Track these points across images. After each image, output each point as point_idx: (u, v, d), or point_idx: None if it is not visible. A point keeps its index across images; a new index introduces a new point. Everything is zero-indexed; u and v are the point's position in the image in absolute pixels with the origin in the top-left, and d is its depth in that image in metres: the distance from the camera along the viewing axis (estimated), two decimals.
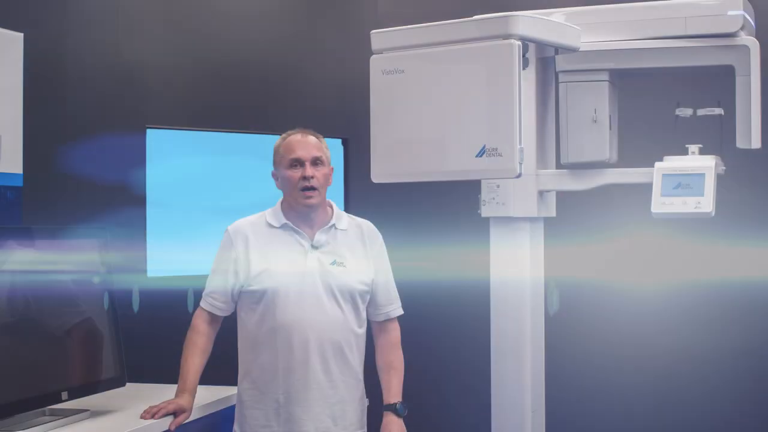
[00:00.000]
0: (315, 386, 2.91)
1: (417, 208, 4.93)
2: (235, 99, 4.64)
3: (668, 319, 4.51)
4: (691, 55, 3.42)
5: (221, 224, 3.06)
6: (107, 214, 4.01)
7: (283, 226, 2.99)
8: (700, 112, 3.48)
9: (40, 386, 2.71)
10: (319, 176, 2.95)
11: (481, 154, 3.08)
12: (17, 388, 2.63)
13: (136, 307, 4.15)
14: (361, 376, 3.03)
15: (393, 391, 3.02)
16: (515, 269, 3.54)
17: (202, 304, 3.01)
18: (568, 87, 3.57)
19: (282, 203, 3.03)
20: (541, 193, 3.56)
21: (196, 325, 2.99)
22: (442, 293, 4.80)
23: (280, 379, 2.91)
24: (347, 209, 3.20)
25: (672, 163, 3.36)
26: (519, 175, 3.07)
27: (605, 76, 3.53)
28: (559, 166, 3.63)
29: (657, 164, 3.37)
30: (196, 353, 2.95)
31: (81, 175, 4.10)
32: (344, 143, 4.88)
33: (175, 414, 2.83)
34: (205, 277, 3.04)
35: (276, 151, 3.01)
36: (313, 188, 2.93)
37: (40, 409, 2.74)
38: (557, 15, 3.52)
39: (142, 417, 2.79)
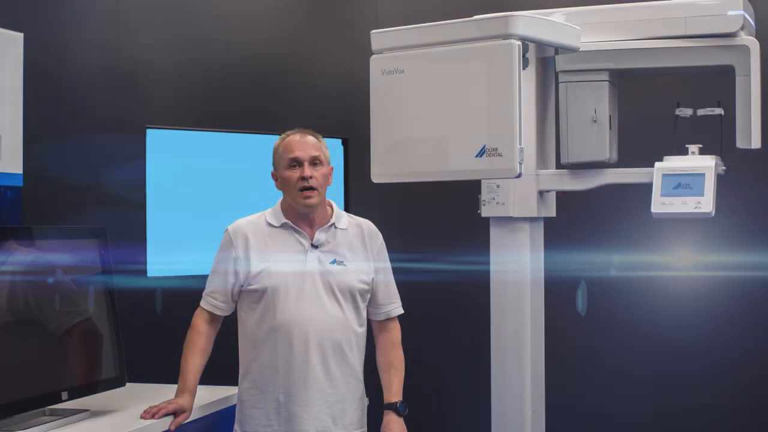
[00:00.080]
0: (315, 385, 2.91)
1: (417, 208, 4.93)
2: (235, 99, 4.64)
3: (667, 318, 4.51)
4: (691, 55, 3.42)
5: (221, 224, 3.06)
6: (107, 214, 4.02)
7: (282, 226, 2.99)
8: (700, 112, 3.48)
9: (40, 386, 2.71)
10: (318, 176, 2.95)
11: (481, 154, 3.08)
12: (17, 388, 2.63)
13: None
14: (361, 375, 3.03)
15: (393, 390, 3.03)
16: (515, 269, 3.54)
17: (202, 303, 3.01)
18: (568, 87, 3.57)
19: (282, 203, 3.03)
20: (541, 193, 3.56)
21: (196, 325, 2.99)
22: (442, 293, 4.81)
23: (280, 378, 2.91)
24: (347, 209, 3.21)
25: (672, 163, 3.36)
26: (519, 175, 3.07)
27: (605, 76, 3.53)
28: (559, 166, 3.63)
29: (657, 164, 3.37)
30: (196, 353, 2.95)
31: (81, 175, 4.10)
32: (344, 143, 4.88)
33: (175, 414, 2.83)
34: (205, 277, 3.04)
35: (275, 152, 3.02)
36: (312, 188, 2.93)
37: (40, 409, 2.74)
38: (557, 15, 3.52)
39: (142, 417, 2.79)
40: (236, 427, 3.01)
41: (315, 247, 2.97)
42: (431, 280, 4.79)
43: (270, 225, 3.00)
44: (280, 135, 3.05)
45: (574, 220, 4.08)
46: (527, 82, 3.37)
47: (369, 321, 3.09)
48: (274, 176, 3.03)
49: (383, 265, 3.08)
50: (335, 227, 3.02)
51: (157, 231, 4.31)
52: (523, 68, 3.08)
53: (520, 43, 3.04)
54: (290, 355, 2.90)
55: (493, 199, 3.55)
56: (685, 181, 3.30)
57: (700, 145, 3.40)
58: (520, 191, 3.52)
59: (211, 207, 4.40)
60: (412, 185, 3.55)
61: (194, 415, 2.93)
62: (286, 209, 3.01)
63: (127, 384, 3.02)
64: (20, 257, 2.73)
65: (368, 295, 3.04)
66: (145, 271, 4.26)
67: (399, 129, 3.27)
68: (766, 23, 3.84)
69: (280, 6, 4.96)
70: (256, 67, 4.74)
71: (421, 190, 4.06)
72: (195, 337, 2.97)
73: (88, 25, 4.23)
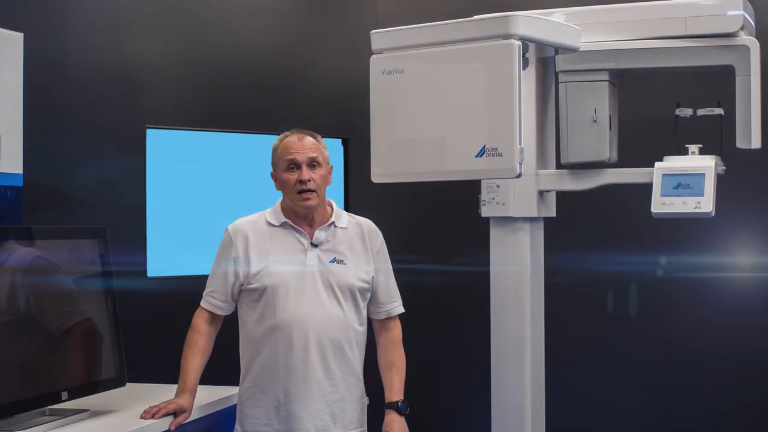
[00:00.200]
0: (314, 384, 2.91)
1: (417, 208, 4.93)
2: (235, 99, 4.64)
3: (668, 318, 4.51)
4: (691, 55, 3.42)
5: (221, 224, 3.06)
6: (107, 213, 4.01)
7: (282, 225, 2.99)
8: (700, 112, 3.49)
9: (40, 386, 2.71)
10: (317, 178, 2.95)
11: (481, 154, 3.08)
12: (17, 388, 2.63)
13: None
14: (360, 374, 3.03)
15: (395, 389, 3.02)
16: (515, 269, 3.54)
17: (202, 303, 3.01)
18: (568, 87, 3.58)
19: (282, 202, 3.03)
20: (541, 193, 3.56)
21: (197, 325, 2.99)
22: (442, 293, 4.81)
23: (280, 377, 2.91)
24: (347, 209, 3.20)
25: (672, 163, 3.36)
26: (519, 175, 3.07)
27: (605, 76, 3.54)
28: (559, 166, 3.63)
29: (657, 164, 3.37)
30: (196, 353, 2.95)
31: (81, 175, 4.10)
32: (344, 143, 4.89)
33: (175, 414, 2.83)
34: (205, 277, 3.04)
35: (273, 153, 3.01)
36: (310, 190, 2.93)
37: (40, 409, 2.74)
38: (557, 15, 3.52)
39: (142, 417, 2.79)
40: (237, 426, 3.01)
41: (315, 245, 2.97)
42: (431, 280, 4.79)
43: (270, 224, 3.00)
44: (279, 135, 3.05)
45: (574, 220, 4.08)
46: (527, 82, 3.37)
47: (370, 320, 3.09)
48: (273, 176, 3.03)
49: (383, 263, 3.08)
50: (335, 226, 3.02)
51: (157, 231, 4.31)
52: (523, 68, 3.08)
53: (520, 43, 3.04)
54: (290, 354, 2.90)
55: (493, 199, 3.55)
56: (685, 181, 3.30)
57: (700, 145, 3.40)
58: (520, 191, 3.52)
59: (211, 207, 4.40)
60: (412, 185, 3.55)
61: (194, 415, 2.93)
62: (286, 209, 3.01)
63: (127, 384, 3.02)
64: (20, 257, 2.73)
65: (368, 294, 3.04)
66: (145, 271, 4.26)
67: (399, 129, 3.27)
68: (766, 23, 3.84)
69: (280, 6, 4.96)
70: (256, 67, 4.75)
71: (421, 190, 4.06)
72: (195, 337, 2.97)
73: (88, 25, 4.23)
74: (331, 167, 3.03)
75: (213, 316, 3.00)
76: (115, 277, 3.04)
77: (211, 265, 3.03)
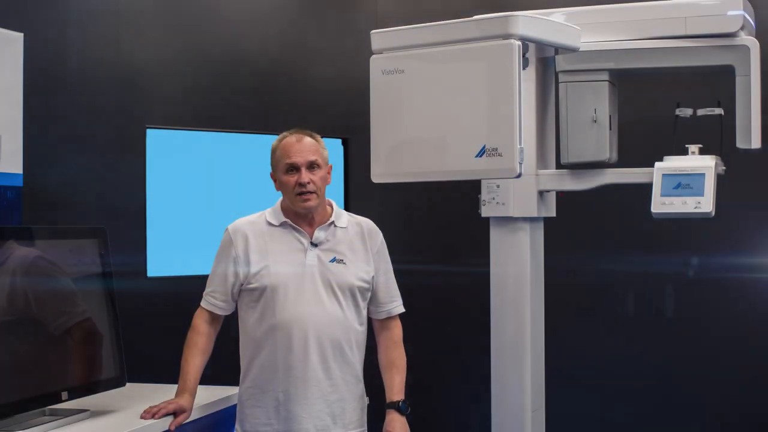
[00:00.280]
0: (314, 384, 2.91)
1: (417, 208, 4.94)
2: (235, 99, 4.64)
3: (669, 317, 4.52)
4: (691, 55, 3.42)
5: (221, 224, 3.06)
6: (107, 214, 4.02)
7: (282, 225, 2.99)
8: (700, 112, 3.49)
9: (40, 386, 2.71)
10: (316, 179, 2.94)
11: (481, 154, 3.08)
12: (17, 388, 2.63)
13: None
14: (360, 374, 3.03)
15: (396, 389, 3.02)
16: (515, 269, 3.54)
17: (202, 303, 3.01)
18: (568, 87, 3.57)
19: (282, 202, 3.03)
20: (541, 193, 3.56)
21: (197, 325, 2.99)
22: (442, 293, 4.81)
23: (280, 377, 2.91)
24: (347, 209, 3.20)
25: (672, 163, 3.36)
26: (519, 175, 3.07)
27: (605, 76, 3.54)
28: (559, 166, 3.63)
29: (657, 164, 3.37)
30: (196, 353, 2.95)
31: (81, 175, 4.10)
32: (344, 143, 4.88)
33: (175, 414, 2.83)
34: (205, 277, 3.04)
35: (273, 153, 3.01)
36: (309, 192, 2.93)
37: (40, 409, 2.74)
38: (557, 15, 3.52)
39: (142, 417, 2.79)
40: (237, 426, 3.01)
41: (314, 245, 2.97)
42: (431, 280, 4.79)
43: (270, 224, 3.00)
44: (279, 135, 3.05)
45: (574, 220, 4.08)
46: (527, 82, 3.37)
47: (370, 320, 3.09)
48: (273, 177, 3.02)
49: (384, 263, 3.08)
50: (335, 226, 3.02)
51: (157, 231, 4.31)
52: (523, 68, 3.08)
53: (520, 43, 3.04)
54: (290, 353, 2.90)
55: (493, 199, 3.55)
56: (685, 181, 3.30)
57: (700, 145, 3.40)
58: (520, 191, 3.52)
59: (211, 207, 4.40)
60: (412, 185, 3.55)
61: (194, 415, 2.93)
62: (286, 208, 3.01)
63: (127, 384, 3.02)
64: (20, 257, 2.73)
65: (368, 294, 3.04)
66: (145, 271, 4.26)
67: (399, 129, 3.27)
68: (766, 23, 3.84)
69: (280, 6, 4.96)
70: (256, 67, 4.75)
71: (421, 190, 4.06)
72: (195, 337, 2.97)
73: (88, 25, 4.23)
74: (331, 166, 3.03)
75: (213, 316, 3.00)
76: (115, 277, 3.04)
77: (211, 265, 3.03)
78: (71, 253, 2.94)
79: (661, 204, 3.31)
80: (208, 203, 4.42)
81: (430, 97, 3.19)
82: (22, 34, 3.46)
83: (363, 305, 3.02)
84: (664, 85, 4.15)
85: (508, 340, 3.56)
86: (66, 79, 4.12)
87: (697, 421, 4.44)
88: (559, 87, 3.60)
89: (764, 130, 3.40)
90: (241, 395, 3.00)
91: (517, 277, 3.54)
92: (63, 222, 3.84)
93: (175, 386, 2.92)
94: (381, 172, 3.33)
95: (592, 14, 3.59)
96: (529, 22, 3.12)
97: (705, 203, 3.25)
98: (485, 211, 3.58)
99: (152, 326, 4.07)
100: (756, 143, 3.37)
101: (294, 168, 2.94)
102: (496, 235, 3.58)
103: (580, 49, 3.39)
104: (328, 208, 3.05)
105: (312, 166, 2.95)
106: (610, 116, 3.55)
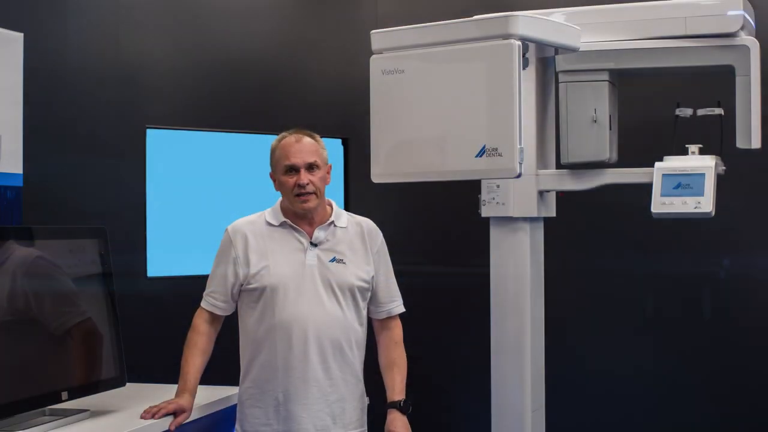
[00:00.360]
0: (314, 384, 2.91)
1: (417, 208, 4.93)
2: (235, 99, 4.64)
3: (669, 317, 4.51)
4: (691, 55, 3.42)
5: (221, 224, 3.06)
6: (107, 214, 4.02)
7: (282, 225, 2.99)
8: (700, 112, 3.49)
9: (40, 386, 2.71)
10: (315, 180, 2.94)
11: (481, 154, 3.08)
12: (17, 388, 2.63)
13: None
14: (360, 374, 3.03)
15: (396, 388, 3.02)
16: (515, 269, 3.54)
17: (202, 303, 3.01)
18: (568, 87, 3.58)
19: (281, 202, 3.03)
20: (541, 193, 3.56)
21: (197, 325, 2.99)
22: (442, 293, 4.81)
23: (280, 377, 2.91)
24: (347, 209, 3.20)
25: (672, 163, 3.37)
26: (519, 175, 3.07)
27: (605, 76, 3.54)
28: (559, 166, 3.63)
29: (657, 164, 3.37)
30: (196, 353, 2.95)
31: (81, 175, 4.10)
32: (344, 143, 4.88)
33: (175, 414, 2.83)
34: (205, 277, 3.04)
35: (272, 154, 3.01)
36: (309, 192, 2.93)
37: (40, 409, 2.74)
38: (557, 15, 3.52)
39: (142, 417, 2.79)
40: (237, 426, 3.01)
41: (314, 245, 2.97)
42: (431, 280, 4.79)
43: (269, 224, 3.00)
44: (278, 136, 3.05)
45: (574, 220, 4.08)
46: (527, 82, 3.37)
47: (370, 320, 3.09)
48: (272, 177, 3.02)
49: (384, 263, 3.08)
50: (335, 225, 3.02)
51: (157, 231, 4.31)
52: (523, 68, 3.08)
53: (520, 43, 3.04)
54: (289, 353, 2.90)
55: (493, 199, 3.55)
56: (685, 181, 3.30)
57: (700, 145, 3.40)
58: (520, 191, 3.52)
59: (211, 207, 4.40)
60: (412, 185, 3.55)
61: (194, 415, 2.93)
62: (286, 208, 3.01)
63: (127, 384, 3.02)
64: (21, 257, 2.73)
65: (368, 294, 3.04)
66: (145, 272, 4.26)
67: (399, 129, 3.27)
68: (766, 23, 3.84)
69: (280, 6, 4.96)
70: (256, 67, 4.75)
71: (421, 190, 4.06)
72: (195, 337, 2.97)
73: (88, 25, 4.23)
74: (330, 166, 3.03)
75: (213, 317, 3.00)
76: (115, 278, 3.04)
77: (211, 265, 3.03)
78: (71, 253, 2.94)
79: (661, 204, 3.31)
80: (208, 203, 4.42)
81: (430, 97, 3.19)
82: (22, 34, 3.46)
83: (363, 305, 3.02)
84: (664, 85, 4.15)
85: (508, 340, 3.56)
86: (66, 79, 4.12)
87: (697, 421, 4.44)
88: (559, 87, 3.60)
89: (764, 130, 3.40)
90: (240, 395, 3.01)
91: (517, 277, 3.54)
92: (63, 222, 3.83)
93: (175, 386, 2.92)
94: (381, 172, 3.33)
95: (592, 14, 3.59)
96: (529, 22, 3.12)
97: (705, 203, 3.26)
98: (485, 211, 3.58)
99: (152, 326, 4.07)
100: (756, 143, 3.37)
101: (293, 169, 2.94)
102: (496, 235, 3.58)
103: (580, 49, 3.40)
104: (328, 207, 3.05)
105: (311, 166, 2.95)
106: (610, 116, 3.55)
